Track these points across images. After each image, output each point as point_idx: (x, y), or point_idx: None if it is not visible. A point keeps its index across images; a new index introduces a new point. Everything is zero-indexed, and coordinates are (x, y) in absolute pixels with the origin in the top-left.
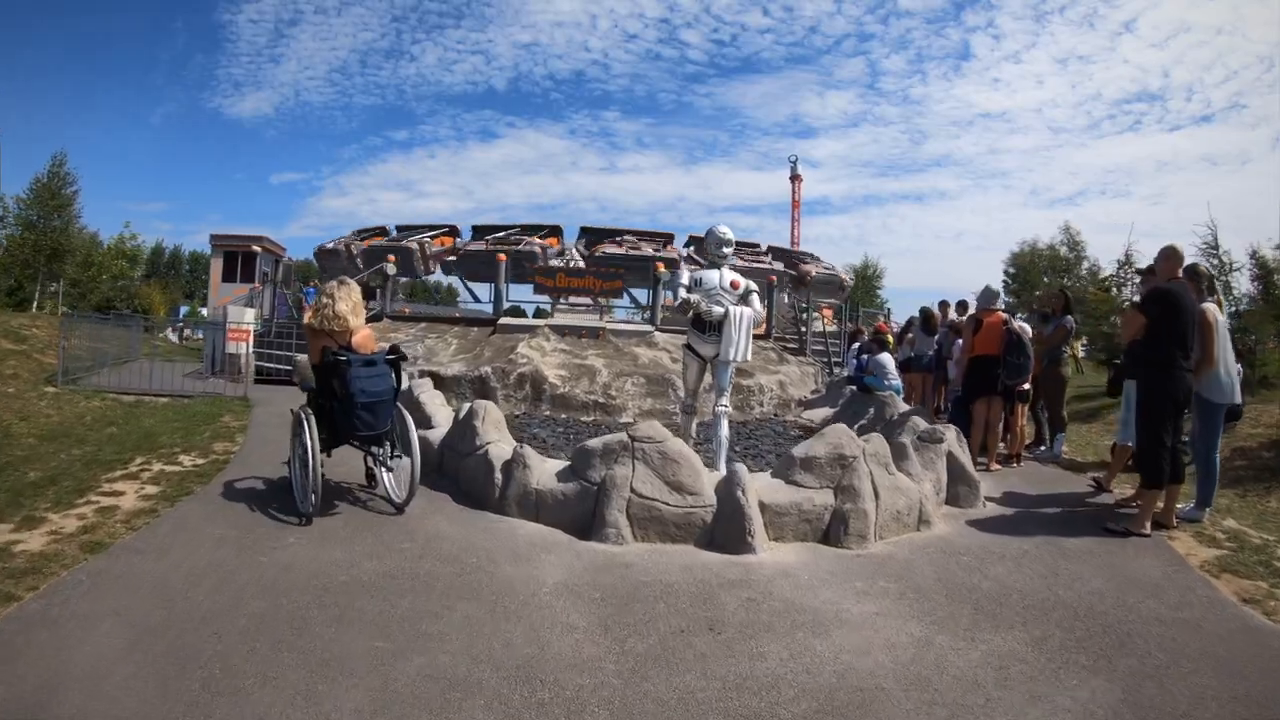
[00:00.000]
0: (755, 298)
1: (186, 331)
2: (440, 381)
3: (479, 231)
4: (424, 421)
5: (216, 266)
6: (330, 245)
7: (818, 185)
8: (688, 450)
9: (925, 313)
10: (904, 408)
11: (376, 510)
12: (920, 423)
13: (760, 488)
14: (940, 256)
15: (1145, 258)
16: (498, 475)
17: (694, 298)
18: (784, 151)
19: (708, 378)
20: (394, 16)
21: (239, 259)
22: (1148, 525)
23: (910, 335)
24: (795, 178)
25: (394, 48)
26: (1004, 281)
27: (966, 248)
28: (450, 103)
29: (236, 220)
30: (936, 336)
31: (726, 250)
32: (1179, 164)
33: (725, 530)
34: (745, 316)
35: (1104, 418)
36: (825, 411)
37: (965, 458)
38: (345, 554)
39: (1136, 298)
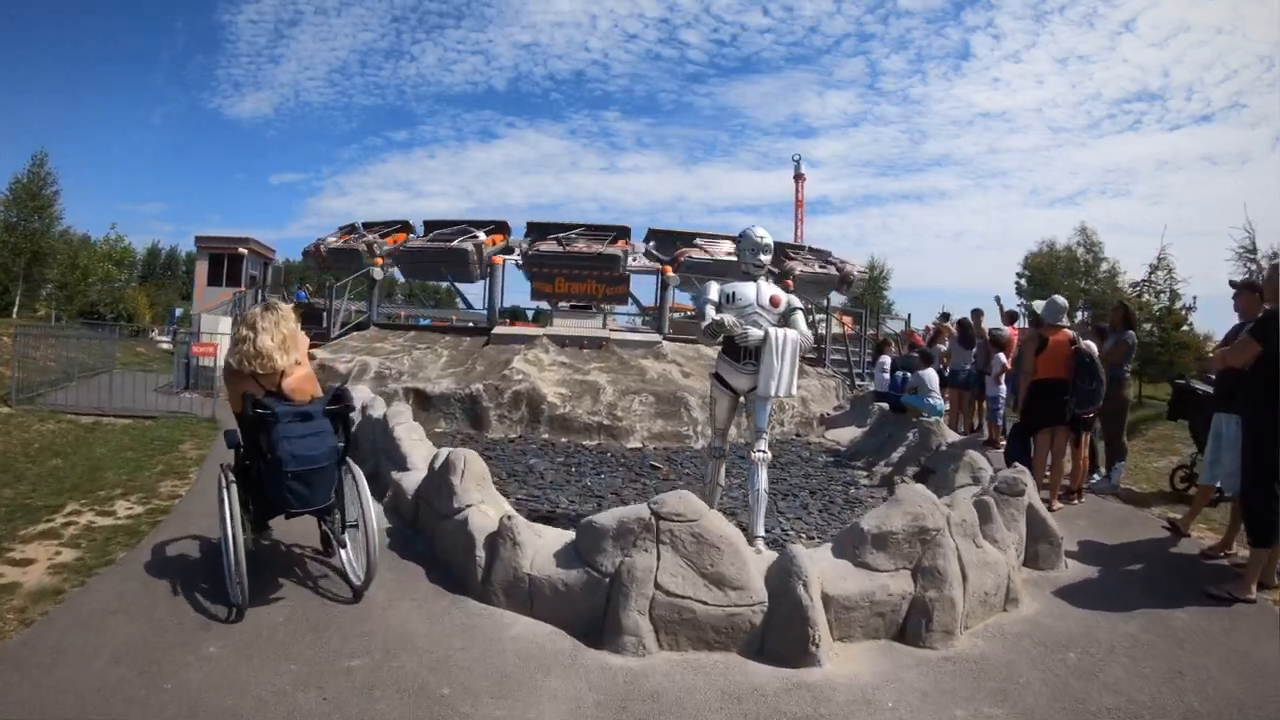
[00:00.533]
0: (800, 317)
1: (181, 333)
2: (427, 400)
3: (535, 230)
4: (399, 461)
5: (201, 269)
6: (337, 243)
7: (818, 185)
8: (729, 530)
9: (963, 324)
10: (951, 435)
11: (328, 595)
12: (978, 460)
13: (823, 573)
14: (940, 256)
15: (1176, 260)
16: (480, 552)
17: (728, 319)
18: (784, 151)
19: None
20: (394, 17)
21: (225, 261)
22: (1254, 589)
23: (944, 347)
24: (799, 177)
25: (394, 48)
26: (1016, 284)
27: (966, 247)
28: (450, 103)
29: (237, 221)
30: (974, 349)
31: (764, 258)
32: (1179, 163)
33: (781, 635)
34: (790, 341)
35: (1142, 434)
36: (853, 431)
37: (1045, 509)
38: (274, 679)
39: (1178, 309)
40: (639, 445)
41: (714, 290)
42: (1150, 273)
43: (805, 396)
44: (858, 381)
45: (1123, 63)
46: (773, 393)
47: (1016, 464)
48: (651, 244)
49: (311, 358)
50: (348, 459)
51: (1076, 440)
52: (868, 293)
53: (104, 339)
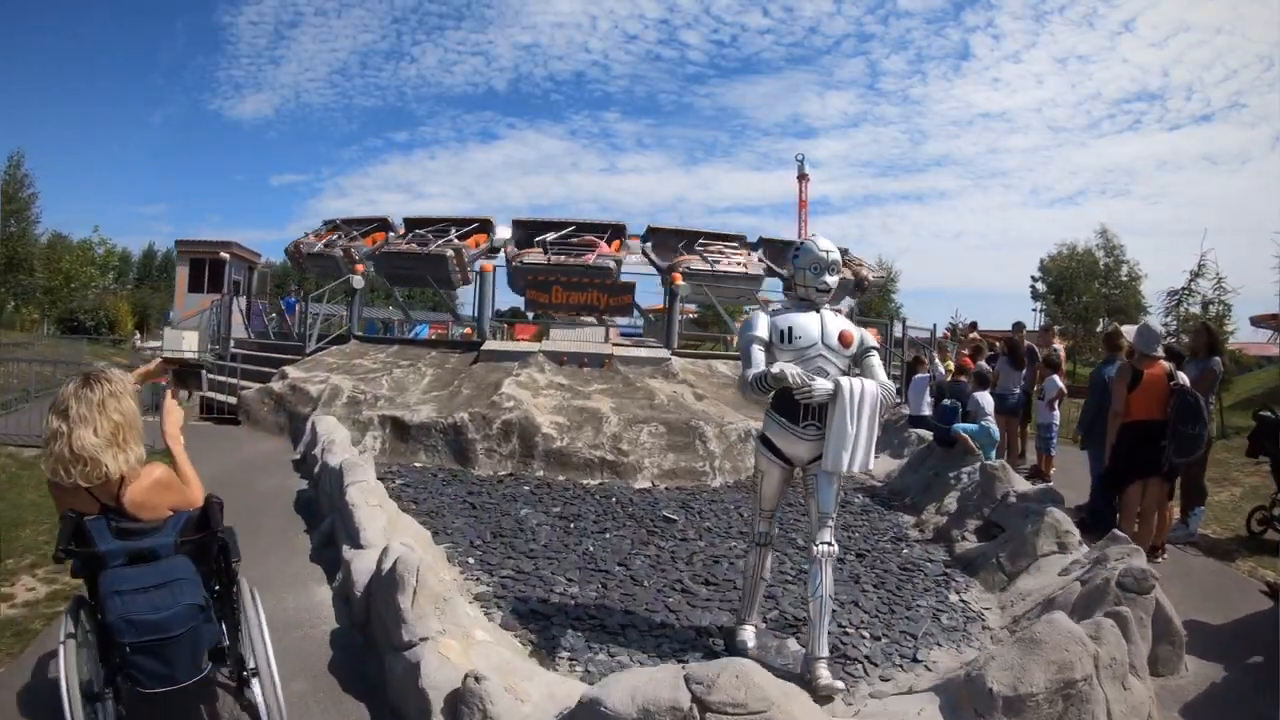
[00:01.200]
0: (878, 361)
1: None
2: (406, 430)
3: (521, 229)
4: (351, 534)
5: (182, 275)
6: (316, 247)
7: (818, 185)
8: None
9: (1012, 342)
10: (1020, 482)
11: None
12: (1062, 521)
13: None
14: (940, 256)
15: (1216, 265)
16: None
17: (788, 370)
18: (785, 152)
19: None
20: (394, 18)
21: (206, 266)
22: None
23: (993, 368)
24: (803, 177)
25: (394, 49)
26: (1031, 288)
27: (966, 247)
28: (451, 104)
29: (237, 222)
30: (1024, 370)
31: (830, 280)
32: (1179, 163)
33: None
34: (869, 396)
35: None
36: (887, 462)
37: (1168, 603)
38: None
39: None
40: (648, 485)
41: (761, 325)
42: (1191, 280)
43: None
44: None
45: (1122, 63)
46: (845, 467)
47: (1116, 532)
48: (649, 245)
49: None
50: (239, 581)
51: (1170, 492)
52: (877, 298)
53: (55, 360)
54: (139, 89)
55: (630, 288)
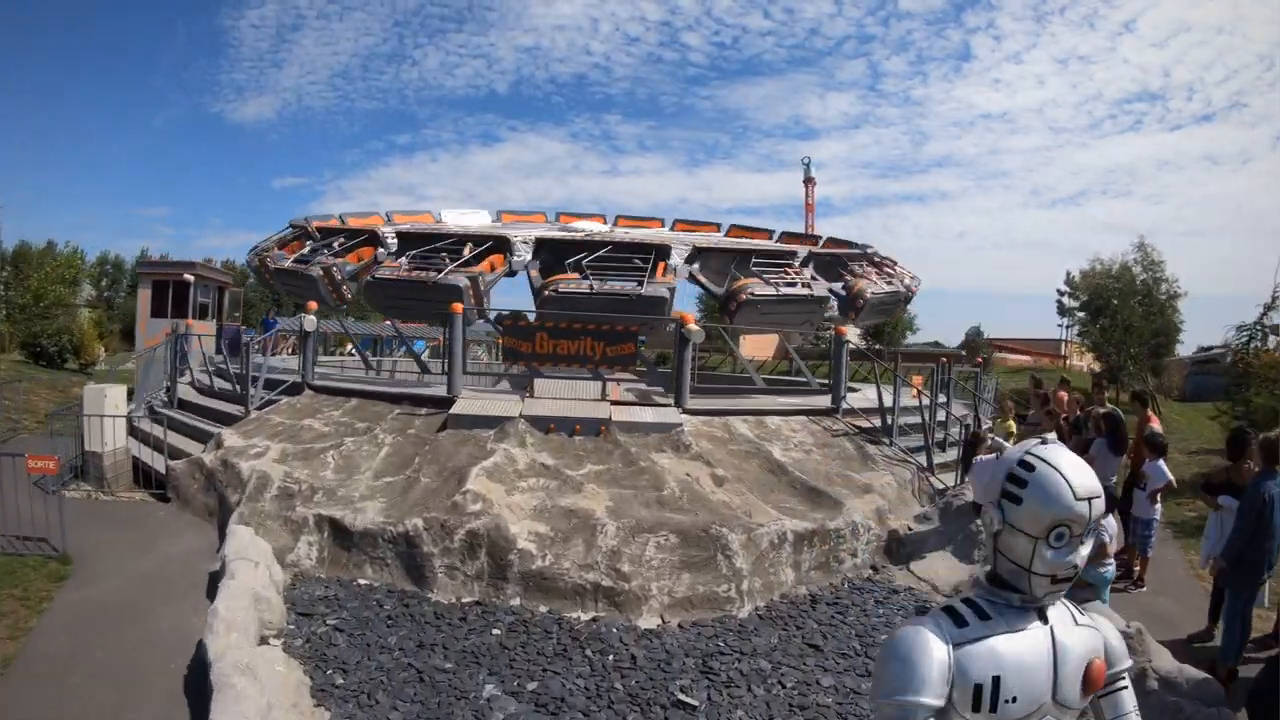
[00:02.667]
0: (1131, 698)
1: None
2: (348, 536)
3: (547, 250)
4: None
5: (144, 299)
6: (286, 263)
7: (819, 187)
8: None
9: (1114, 419)
10: (1159, 655)
11: None
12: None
13: None
14: (941, 257)
15: None
16: None
17: None
18: (786, 154)
19: None
20: (396, 21)
21: (170, 289)
22: None
23: (1053, 436)
24: (809, 180)
25: (396, 51)
26: (1057, 303)
27: (967, 247)
28: (452, 106)
29: (239, 226)
30: (1122, 456)
31: (1081, 556)
32: (1180, 163)
33: None
34: None
35: None
36: (950, 563)
37: None
38: None
39: None
40: (656, 622)
41: (932, 668)
42: (1264, 313)
43: (881, 507)
44: (936, 470)
45: (1123, 63)
46: None
47: None
48: (695, 265)
49: None
50: None
51: None
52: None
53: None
54: (140, 92)
55: (634, 335)
